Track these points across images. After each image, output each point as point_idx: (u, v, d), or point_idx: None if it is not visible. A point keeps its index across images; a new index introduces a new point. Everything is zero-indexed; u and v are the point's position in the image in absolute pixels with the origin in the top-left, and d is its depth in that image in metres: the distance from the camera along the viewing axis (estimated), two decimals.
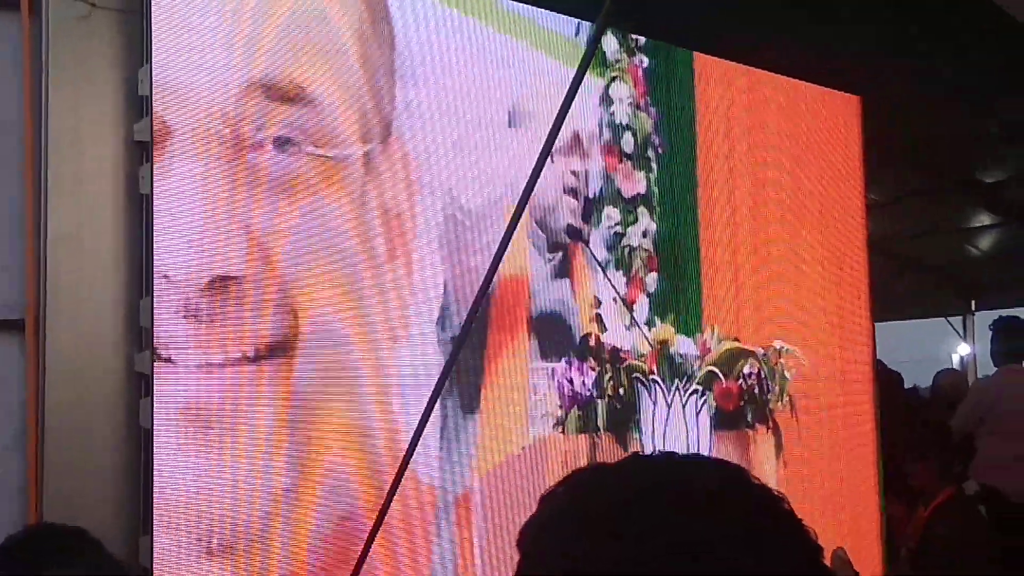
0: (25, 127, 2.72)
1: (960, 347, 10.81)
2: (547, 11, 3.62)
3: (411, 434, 2.93)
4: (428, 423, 3.08)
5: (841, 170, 4.72)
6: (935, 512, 4.38)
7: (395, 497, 3.01)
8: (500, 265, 2.02)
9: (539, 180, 1.85)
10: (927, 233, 8.38)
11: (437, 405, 3.12)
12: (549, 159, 3.10)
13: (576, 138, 3.64)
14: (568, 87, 1.82)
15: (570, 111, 1.79)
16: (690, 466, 0.86)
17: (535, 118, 3.51)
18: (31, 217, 2.69)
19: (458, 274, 3.25)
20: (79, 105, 2.74)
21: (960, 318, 10.35)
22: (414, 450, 2.09)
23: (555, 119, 1.83)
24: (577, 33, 3.69)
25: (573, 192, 3.62)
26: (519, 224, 2.03)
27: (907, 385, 7.10)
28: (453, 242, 3.26)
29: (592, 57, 2.01)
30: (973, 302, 10.11)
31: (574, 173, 3.61)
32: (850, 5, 4.24)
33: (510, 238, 1.96)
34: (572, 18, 3.68)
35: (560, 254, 3.57)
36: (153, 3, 2.72)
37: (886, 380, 5.49)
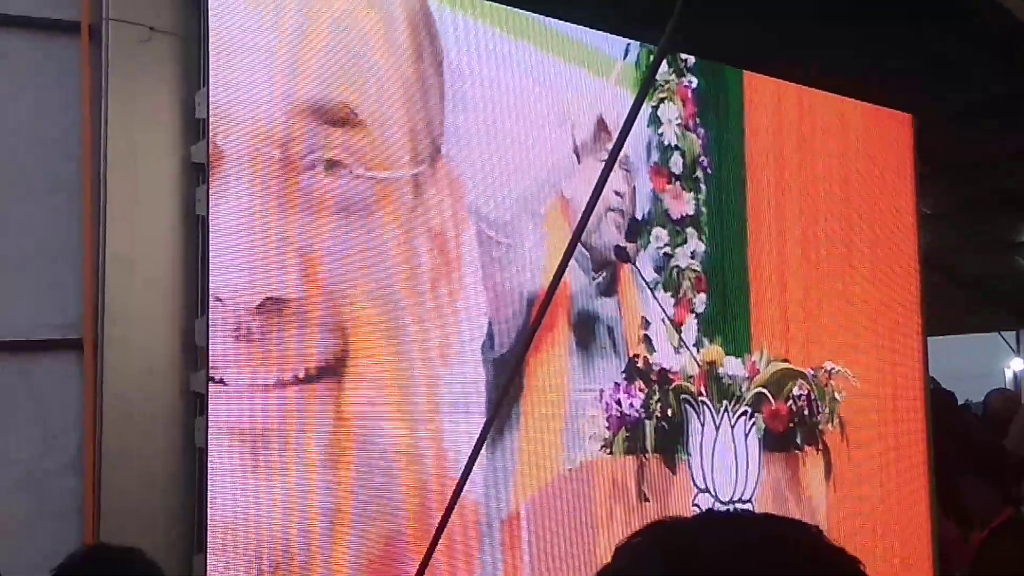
0: (84, 149, 2.77)
1: (1013, 362, 10.68)
2: (596, 31, 3.63)
3: (459, 454, 2.95)
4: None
5: (892, 187, 4.68)
6: (992, 534, 4.32)
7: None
8: (555, 287, 2.02)
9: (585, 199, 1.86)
10: (979, 248, 8.30)
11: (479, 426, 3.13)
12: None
13: (621, 159, 3.64)
14: (628, 112, 1.83)
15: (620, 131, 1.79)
16: (763, 535, 0.86)
17: (587, 139, 3.53)
18: (89, 238, 2.74)
19: (502, 294, 3.26)
20: (137, 127, 2.78)
21: (1013, 333, 10.23)
22: (469, 473, 2.10)
23: (613, 146, 1.84)
24: (626, 55, 3.69)
25: (619, 212, 3.62)
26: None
27: (959, 401, 6.99)
28: (498, 263, 3.27)
29: (651, 84, 2.02)
30: None
31: (617, 193, 3.61)
32: (900, 24, 4.21)
33: (568, 261, 1.97)
34: (622, 39, 3.69)
35: (605, 273, 3.57)
36: (211, 28, 2.76)
37: (940, 402, 5.42)
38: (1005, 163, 6.38)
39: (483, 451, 3.14)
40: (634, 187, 3.67)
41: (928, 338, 4.87)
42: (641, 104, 1.70)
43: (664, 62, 3.80)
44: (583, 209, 1.81)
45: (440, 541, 3.00)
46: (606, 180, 1.62)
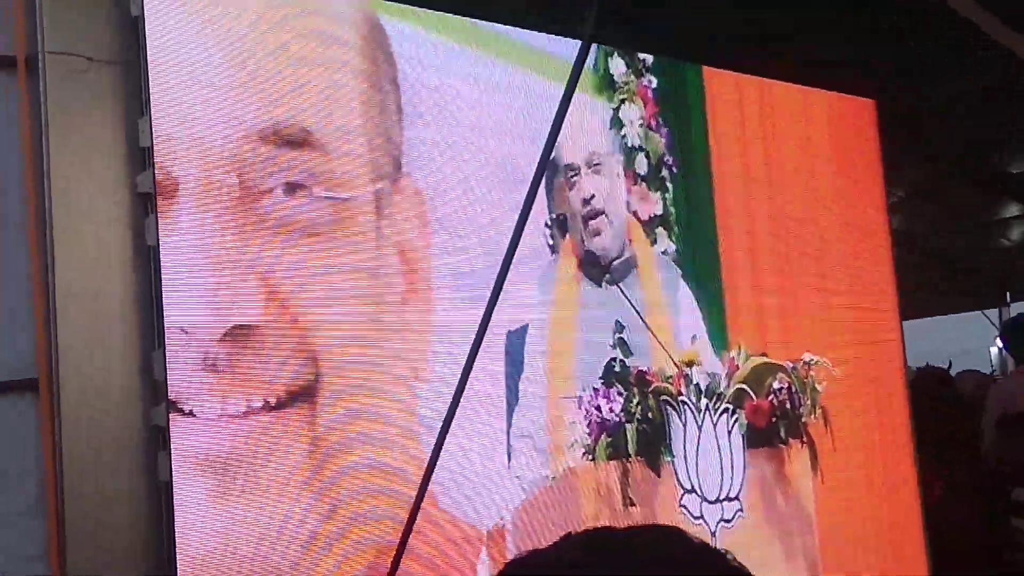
0: (27, 185, 2.70)
1: (998, 339, 10.68)
2: (554, 36, 3.58)
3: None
4: (455, 458, 3.04)
5: (860, 174, 4.65)
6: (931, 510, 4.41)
7: (429, 535, 2.98)
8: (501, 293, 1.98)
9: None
10: (959, 227, 8.30)
11: (463, 439, 3.09)
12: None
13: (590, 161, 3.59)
14: (557, 108, 1.80)
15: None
16: (620, 551, 0.85)
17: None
18: (38, 275, 2.67)
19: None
20: (81, 160, 2.71)
21: (996, 311, 10.24)
22: (427, 485, 2.05)
23: (547, 139, 1.80)
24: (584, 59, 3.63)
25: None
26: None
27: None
28: (472, 277, 3.21)
29: (579, 76, 1.98)
30: (1008, 294, 10.00)
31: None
32: (857, 10, 4.17)
33: (510, 263, 1.93)
34: (578, 42, 3.63)
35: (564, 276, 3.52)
36: (150, 54, 2.70)
37: (925, 386, 5.38)
38: (984, 144, 6.37)
39: (463, 464, 3.09)
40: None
41: (913, 319, 4.84)
42: (571, 95, 1.65)
43: (623, 64, 3.76)
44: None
45: (430, 559, 2.96)
46: (538, 186, 1.57)
